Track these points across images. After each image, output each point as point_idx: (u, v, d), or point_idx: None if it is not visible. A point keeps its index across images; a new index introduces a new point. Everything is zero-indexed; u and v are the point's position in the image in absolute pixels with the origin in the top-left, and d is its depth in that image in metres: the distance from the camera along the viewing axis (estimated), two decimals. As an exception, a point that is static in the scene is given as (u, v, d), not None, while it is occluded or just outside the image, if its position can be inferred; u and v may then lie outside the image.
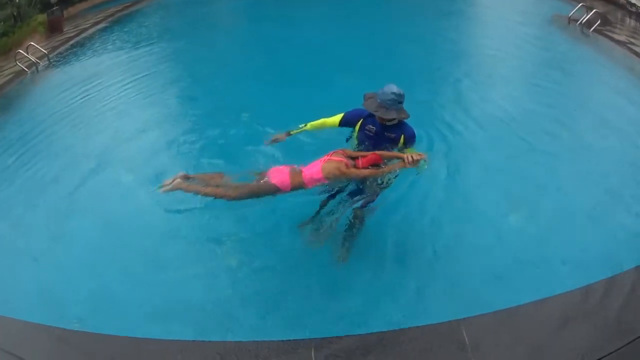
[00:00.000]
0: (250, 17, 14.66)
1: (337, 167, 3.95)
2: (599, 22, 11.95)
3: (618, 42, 12.03)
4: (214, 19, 14.62)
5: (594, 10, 11.94)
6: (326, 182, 4.07)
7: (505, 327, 3.61)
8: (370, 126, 4.25)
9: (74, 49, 13.51)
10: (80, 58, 12.50)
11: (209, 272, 4.51)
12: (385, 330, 3.66)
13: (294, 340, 3.62)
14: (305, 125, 4.54)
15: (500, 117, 6.84)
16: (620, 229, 4.68)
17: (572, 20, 12.48)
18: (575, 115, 7.31)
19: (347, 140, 4.70)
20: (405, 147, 4.32)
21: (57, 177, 6.49)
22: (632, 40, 13.00)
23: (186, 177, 4.57)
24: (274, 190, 4.12)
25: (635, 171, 5.64)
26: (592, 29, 11.79)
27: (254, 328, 3.90)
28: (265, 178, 4.16)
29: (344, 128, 4.56)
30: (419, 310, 3.88)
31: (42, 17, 16.10)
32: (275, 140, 4.67)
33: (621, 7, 18.14)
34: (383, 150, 4.27)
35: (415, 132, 4.36)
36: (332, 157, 4.05)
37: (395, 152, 4.21)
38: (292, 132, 4.60)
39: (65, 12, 19.72)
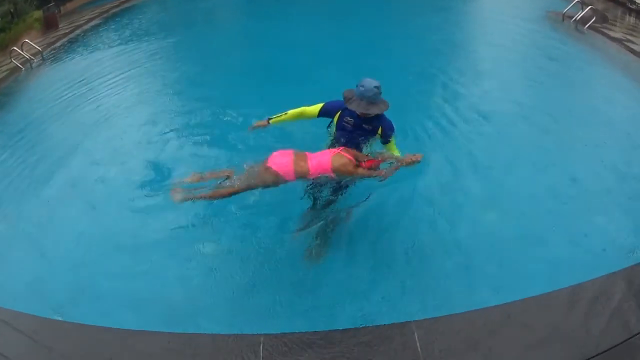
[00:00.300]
0: (244, 13, 14.64)
1: (346, 164, 4.03)
2: (594, 19, 11.84)
3: (614, 39, 11.95)
4: (207, 15, 14.59)
5: (589, 7, 11.84)
6: (332, 175, 4.09)
7: (456, 331, 3.58)
8: (348, 118, 4.31)
9: (68, 46, 13.53)
10: (74, 55, 12.52)
11: (187, 267, 4.53)
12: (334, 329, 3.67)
13: (240, 334, 3.66)
14: (286, 113, 4.56)
15: (486, 115, 6.80)
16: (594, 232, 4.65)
17: (566, 17, 12.39)
18: (565, 111, 7.26)
19: (328, 127, 4.75)
20: (383, 139, 4.42)
21: (48, 172, 6.54)
22: (629, 37, 12.91)
23: (195, 177, 4.65)
24: (276, 179, 4.12)
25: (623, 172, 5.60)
26: (587, 26, 11.69)
27: (219, 321, 3.92)
28: (267, 165, 4.14)
29: (322, 119, 4.62)
30: (377, 311, 3.85)
31: (38, 14, 16.17)
32: (257, 127, 4.70)
33: (621, 4, 18.03)
34: (360, 141, 4.39)
35: (393, 124, 4.44)
36: (342, 152, 4.10)
37: (394, 155, 4.32)
38: (272, 119, 4.61)
39: (62, 8, 19.79)
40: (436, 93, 7.58)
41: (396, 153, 4.44)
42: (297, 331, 3.62)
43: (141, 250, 4.73)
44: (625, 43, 11.89)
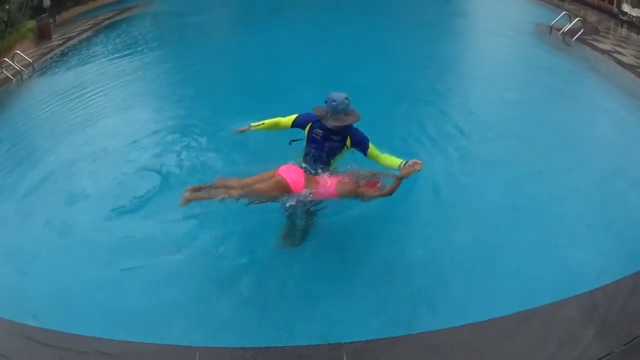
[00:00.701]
0: (231, 29, 14.73)
1: (351, 190, 4.22)
2: (582, 30, 11.85)
3: (602, 50, 11.96)
4: (195, 30, 14.65)
5: (577, 19, 11.86)
6: (336, 197, 4.28)
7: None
8: (318, 130, 4.45)
9: (59, 58, 13.58)
10: (64, 67, 12.55)
11: (151, 277, 4.50)
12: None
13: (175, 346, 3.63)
14: (263, 122, 4.74)
15: (467, 130, 6.75)
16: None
17: (554, 29, 12.41)
18: (549, 125, 7.23)
19: (290, 142, 4.93)
20: (361, 150, 4.53)
21: (26, 180, 6.56)
22: (618, 48, 12.93)
23: (199, 188, 4.64)
24: (284, 190, 4.19)
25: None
26: (574, 38, 11.69)
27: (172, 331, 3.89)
28: (277, 176, 4.23)
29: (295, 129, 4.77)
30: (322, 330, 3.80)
31: (31, 23, 16.23)
32: (239, 131, 4.89)
33: (613, 16, 18.11)
34: (329, 152, 4.53)
35: (363, 132, 4.54)
36: (345, 180, 4.28)
37: (393, 173, 4.38)
38: (253, 126, 4.80)
39: (57, 18, 19.99)
40: (419, 107, 7.54)
41: (383, 157, 4.51)
42: (232, 346, 3.59)
43: (115, 260, 4.73)
44: (614, 55, 11.91)
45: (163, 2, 19.74)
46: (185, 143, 6.73)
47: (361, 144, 4.49)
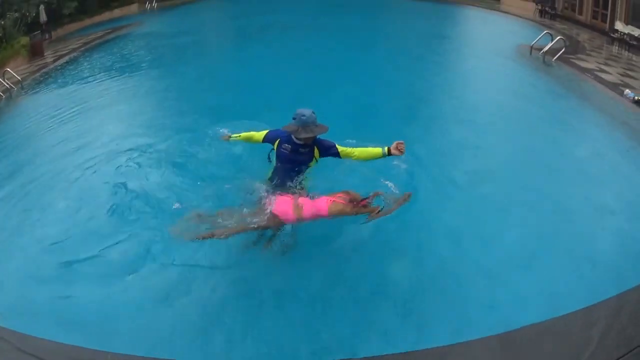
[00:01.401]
0: (215, 51, 14.84)
1: (343, 209, 4.27)
2: (563, 50, 11.86)
3: (584, 69, 11.96)
4: (178, 51, 14.64)
5: (559, 38, 11.88)
6: (329, 218, 4.32)
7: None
8: (286, 145, 4.65)
9: (48, 76, 13.61)
10: (52, 86, 12.53)
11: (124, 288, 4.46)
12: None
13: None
14: (240, 135, 5.04)
15: (431, 150, 6.69)
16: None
17: (534, 49, 12.41)
18: (512, 148, 7.21)
19: (269, 159, 5.09)
20: (332, 155, 4.70)
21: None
22: (604, 67, 12.91)
23: (199, 216, 4.64)
24: (276, 222, 4.29)
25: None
26: (555, 58, 11.70)
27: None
28: (267, 209, 4.32)
29: (266, 144, 4.95)
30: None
31: (25, 40, 16.45)
32: (224, 138, 5.18)
33: (605, 34, 18.16)
34: (298, 165, 4.70)
35: (330, 140, 4.72)
36: (337, 199, 4.31)
37: (390, 195, 4.53)
38: (232, 137, 5.11)
39: (53, 34, 20.34)
40: (391, 130, 7.46)
41: (359, 150, 4.66)
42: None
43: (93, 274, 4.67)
44: (597, 73, 11.89)
45: (152, 23, 20.14)
46: (165, 161, 6.61)
47: (330, 149, 4.69)
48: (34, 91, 12.18)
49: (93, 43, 17.04)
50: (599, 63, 13.37)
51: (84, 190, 6.21)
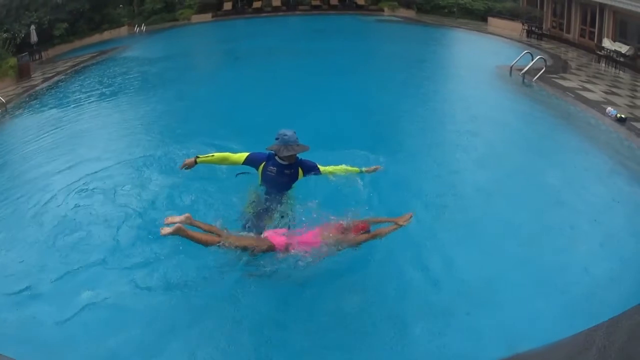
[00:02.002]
0: (197, 75, 14.68)
1: (335, 239, 4.24)
2: (543, 69, 11.76)
3: (565, 88, 11.85)
4: (160, 76, 14.46)
5: (538, 57, 11.78)
6: (320, 248, 4.29)
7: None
8: (272, 167, 4.81)
9: (32, 99, 13.42)
10: (36, 109, 12.35)
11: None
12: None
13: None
14: (213, 155, 4.95)
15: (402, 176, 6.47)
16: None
17: (515, 69, 12.31)
18: (482, 171, 7.01)
19: (237, 175, 5.26)
20: (314, 174, 4.92)
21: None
22: (587, 85, 12.81)
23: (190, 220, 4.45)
24: (269, 247, 4.27)
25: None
26: (535, 78, 11.58)
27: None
28: (264, 235, 4.35)
29: (243, 166, 5.04)
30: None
31: (13, 61, 16.52)
32: (185, 166, 5.03)
33: (592, 51, 18.21)
34: (284, 185, 4.85)
35: (311, 160, 4.94)
36: (328, 230, 4.30)
37: (385, 218, 4.54)
38: (199, 159, 4.97)
39: (44, 54, 20.47)
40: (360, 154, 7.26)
41: (338, 168, 4.97)
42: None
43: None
44: (579, 92, 11.78)
45: (139, 46, 20.07)
46: (144, 182, 6.45)
47: (312, 168, 4.95)
48: (17, 114, 12.07)
49: (79, 66, 17.05)
50: (583, 81, 13.30)
51: (56, 214, 6.00)
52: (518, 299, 4.41)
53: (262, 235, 4.36)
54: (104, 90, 13.13)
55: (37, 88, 14.73)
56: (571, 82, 12.74)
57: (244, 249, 4.23)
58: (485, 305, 4.33)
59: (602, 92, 12.31)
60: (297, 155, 4.83)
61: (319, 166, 4.96)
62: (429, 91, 10.84)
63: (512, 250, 5.05)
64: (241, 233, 4.43)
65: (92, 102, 12.10)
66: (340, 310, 4.29)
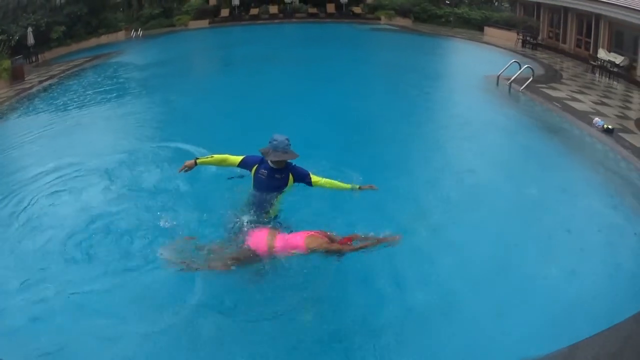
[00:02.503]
0: (191, 83, 14.48)
1: (322, 243, 4.27)
2: (531, 79, 11.68)
3: (553, 98, 11.77)
4: (151, 81, 14.42)
5: (526, 66, 11.71)
6: (306, 252, 4.31)
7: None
8: (263, 170, 4.85)
9: (25, 101, 13.50)
10: (26, 111, 12.37)
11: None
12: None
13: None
14: (212, 156, 5.00)
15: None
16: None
17: (503, 79, 12.22)
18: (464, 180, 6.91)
19: (229, 178, 5.35)
20: (305, 182, 4.93)
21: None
22: (577, 95, 12.73)
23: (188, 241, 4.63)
24: (253, 255, 4.33)
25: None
26: (523, 87, 11.50)
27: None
28: (243, 242, 4.39)
29: (239, 169, 5.09)
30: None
31: (6, 63, 16.53)
32: (185, 168, 5.02)
33: (587, 61, 18.13)
34: (274, 189, 4.87)
35: (305, 168, 4.96)
36: (314, 234, 4.34)
37: (373, 236, 4.50)
38: (199, 160, 5.02)
39: (40, 57, 20.53)
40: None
41: (330, 181, 4.95)
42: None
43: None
44: (567, 102, 11.70)
45: (133, 52, 19.99)
46: (136, 191, 6.43)
47: (304, 178, 4.94)
48: (7, 117, 12.02)
49: (71, 71, 17.09)
50: (573, 91, 13.21)
51: (28, 216, 6.06)
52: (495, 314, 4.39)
53: (245, 236, 4.41)
54: (92, 95, 13.13)
55: (30, 91, 14.72)
56: (560, 92, 12.65)
57: (233, 263, 4.32)
58: (463, 320, 4.32)
59: (592, 102, 12.23)
60: (291, 161, 4.87)
61: (311, 176, 4.96)
62: (411, 101, 10.76)
63: (489, 263, 5.01)
64: (225, 250, 4.44)
65: (79, 107, 12.11)
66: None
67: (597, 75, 16.96)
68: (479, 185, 6.71)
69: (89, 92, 13.60)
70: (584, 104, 11.90)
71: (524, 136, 8.84)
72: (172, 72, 15.47)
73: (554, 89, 12.91)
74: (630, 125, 10.59)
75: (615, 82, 16.10)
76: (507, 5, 27.44)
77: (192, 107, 11.30)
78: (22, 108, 12.86)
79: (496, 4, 28.66)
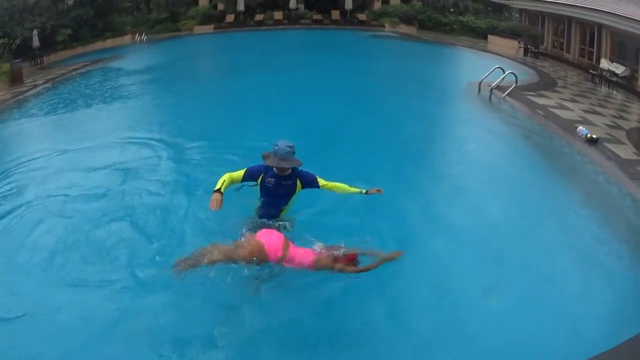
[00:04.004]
0: (184, 91, 14.38)
1: (327, 264, 4.27)
2: (513, 86, 11.48)
3: (537, 105, 11.56)
4: (147, 87, 14.57)
5: (508, 72, 11.50)
6: (311, 270, 4.33)
7: None
8: (269, 178, 4.77)
9: (21, 104, 13.70)
10: (20, 114, 12.55)
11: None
12: None
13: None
14: (224, 180, 4.80)
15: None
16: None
17: (488, 86, 12.00)
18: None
19: (238, 189, 5.10)
20: (313, 187, 4.87)
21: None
22: (567, 103, 12.47)
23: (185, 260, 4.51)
24: (261, 253, 4.25)
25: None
26: (505, 94, 11.31)
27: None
28: (257, 239, 4.32)
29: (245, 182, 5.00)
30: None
31: (6, 67, 16.95)
32: (216, 202, 4.69)
33: (587, 70, 17.84)
34: (282, 196, 4.87)
35: (313, 173, 4.90)
36: (321, 255, 4.32)
37: (375, 251, 4.47)
38: (220, 189, 4.76)
39: (45, 59, 20.95)
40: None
41: (338, 185, 4.89)
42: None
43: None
44: (553, 109, 11.46)
45: (133, 57, 20.01)
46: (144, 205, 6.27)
47: (311, 182, 4.88)
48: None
49: (68, 75, 17.29)
50: (564, 99, 12.96)
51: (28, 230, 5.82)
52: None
53: (256, 237, 4.33)
54: (81, 101, 13.20)
55: (26, 94, 14.94)
56: (548, 100, 12.42)
57: (240, 260, 4.28)
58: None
59: (582, 110, 11.96)
60: (299, 168, 4.81)
61: (318, 180, 4.89)
62: (386, 107, 10.62)
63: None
64: (232, 243, 4.40)
65: (70, 111, 12.09)
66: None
67: (597, 84, 16.66)
68: (437, 193, 6.55)
69: (79, 97, 13.68)
70: (572, 112, 11.65)
71: (499, 143, 8.66)
72: (160, 78, 15.53)
73: (543, 96, 12.67)
74: (621, 135, 10.28)
75: (614, 92, 15.79)
76: (517, 15, 27.16)
77: (177, 114, 11.13)
78: (16, 110, 12.98)
79: (506, 14, 28.41)
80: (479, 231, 5.59)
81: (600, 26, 18.06)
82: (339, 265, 4.28)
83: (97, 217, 5.91)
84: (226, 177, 4.79)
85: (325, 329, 4.32)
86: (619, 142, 9.56)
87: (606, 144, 9.24)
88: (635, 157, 8.56)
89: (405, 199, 6.13)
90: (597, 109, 12.57)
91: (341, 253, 4.31)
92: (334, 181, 4.92)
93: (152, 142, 8.92)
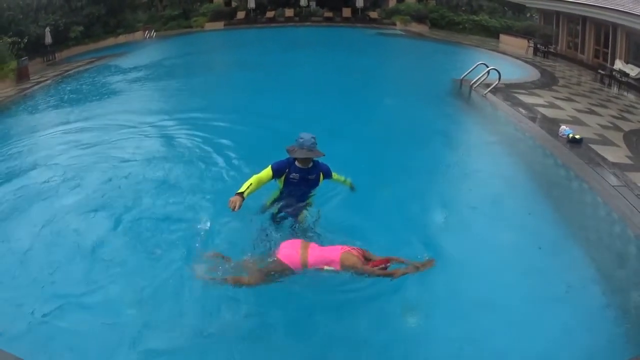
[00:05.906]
0: (185, 89, 14.00)
1: (356, 263, 4.17)
2: (496, 83, 11.00)
3: (522, 104, 11.06)
4: (148, 84, 14.64)
5: (490, 68, 11.03)
6: (339, 269, 4.22)
7: None
8: (294, 174, 4.86)
9: (24, 101, 13.96)
10: (21, 111, 12.82)
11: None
12: None
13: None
14: (251, 183, 4.75)
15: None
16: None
17: (470, 83, 11.54)
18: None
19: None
20: (327, 178, 5.05)
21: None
22: (560, 102, 11.88)
23: (218, 256, 4.61)
24: (286, 269, 4.28)
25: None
26: (487, 91, 10.84)
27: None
28: (275, 257, 4.34)
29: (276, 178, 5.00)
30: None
31: (13, 64, 17.28)
32: (234, 204, 4.62)
33: (592, 68, 17.16)
34: (307, 191, 5.01)
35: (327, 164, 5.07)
36: (352, 250, 4.25)
37: (403, 259, 4.37)
38: (243, 193, 4.70)
39: (57, 56, 21.54)
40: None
41: (337, 177, 5.15)
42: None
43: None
44: (540, 108, 10.94)
45: (138, 54, 20.16)
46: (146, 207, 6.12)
47: (329, 173, 5.08)
48: (6, 116, 12.36)
49: (72, 72, 17.55)
50: (558, 98, 12.38)
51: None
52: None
53: (278, 251, 4.34)
54: (77, 98, 13.38)
55: (28, 91, 15.25)
56: (538, 98, 11.87)
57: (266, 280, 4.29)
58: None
59: (576, 110, 11.37)
60: (318, 159, 4.89)
61: (333, 172, 5.12)
62: (364, 103, 10.34)
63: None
64: (258, 265, 4.36)
65: (65, 109, 12.20)
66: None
67: (605, 84, 15.94)
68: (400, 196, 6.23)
69: (76, 95, 13.83)
70: (563, 111, 11.09)
71: (469, 142, 8.32)
72: (161, 75, 15.55)
73: (534, 94, 12.13)
74: (616, 137, 9.62)
75: (626, 93, 15.04)
76: (536, 16, 26.28)
77: (168, 112, 10.94)
78: (18, 107, 13.18)
79: (528, 14, 27.52)
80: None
81: (616, 26, 17.36)
82: (368, 268, 4.18)
83: (92, 212, 5.87)
84: (253, 180, 4.75)
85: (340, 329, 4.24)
86: (611, 143, 8.91)
87: (592, 145, 8.63)
88: (623, 161, 7.89)
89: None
90: (596, 109, 11.92)
91: (372, 256, 4.25)
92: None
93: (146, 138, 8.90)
